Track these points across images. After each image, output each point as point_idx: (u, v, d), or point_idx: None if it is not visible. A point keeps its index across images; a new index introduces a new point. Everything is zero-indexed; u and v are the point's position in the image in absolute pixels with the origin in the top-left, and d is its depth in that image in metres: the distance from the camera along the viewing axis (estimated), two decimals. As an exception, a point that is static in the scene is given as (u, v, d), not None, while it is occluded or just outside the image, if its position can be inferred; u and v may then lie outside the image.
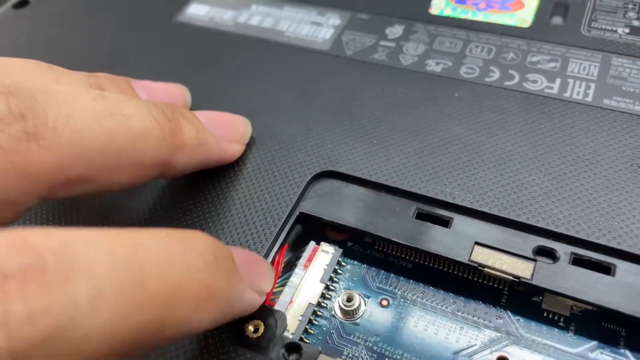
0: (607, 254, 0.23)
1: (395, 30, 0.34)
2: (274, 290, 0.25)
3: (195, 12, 0.38)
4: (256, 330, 0.22)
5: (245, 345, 0.22)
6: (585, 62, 0.30)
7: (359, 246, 0.27)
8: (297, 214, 0.26)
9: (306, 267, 0.25)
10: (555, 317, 0.23)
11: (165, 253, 0.17)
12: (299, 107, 0.30)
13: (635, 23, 0.32)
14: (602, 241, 0.23)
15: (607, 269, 0.23)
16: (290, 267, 0.26)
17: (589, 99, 0.28)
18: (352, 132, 0.29)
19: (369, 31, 0.34)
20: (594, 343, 0.22)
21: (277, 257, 0.25)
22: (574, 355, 0.22)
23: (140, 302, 0.15)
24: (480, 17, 0.34)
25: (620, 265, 0.23)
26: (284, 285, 0.25)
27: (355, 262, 0.26)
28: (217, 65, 0.34)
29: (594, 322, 0.23)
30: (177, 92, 0.29)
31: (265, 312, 0.23)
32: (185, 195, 0.27)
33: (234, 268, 0.20)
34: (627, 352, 0.22)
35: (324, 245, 0.26)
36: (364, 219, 0.25)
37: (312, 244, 0.26)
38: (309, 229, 0.27)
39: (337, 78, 0.31)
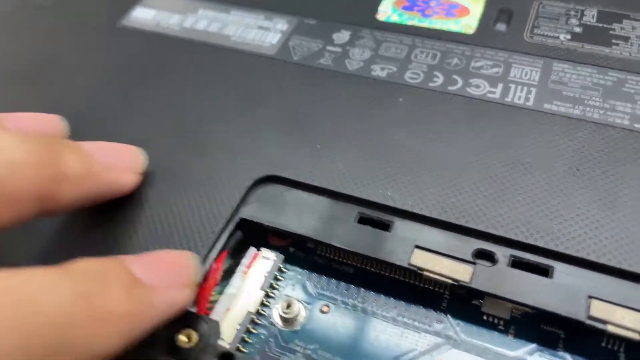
0: (546, 256, 0.23)
1: (342, 36, 0.33)
2: (211, 298, 0.24)
3: (141, 16, 0.37)
4: (189, 339, 0.22)
5: (177, 356, 0.21)
6: (527, 68, 0.30)
7: (300, 252, 0.26)
8: (237, 219, 0.25)
9: (245, 273, 0.25)
10: (495, 321, 0.23)
11: (41, 290, 0.17)
12: (243, 112, 0.30)
13: (577, 30, 0.32)
14: (540, 243, 0.23)
15: (545, 271, 0.23)
16: (229, 274, 0.25)
17: (530, 103, 0.29)
18: (296, 136, 0.28)
19: (316, 36, 0.34)
20: (533, 346, 0.22)
21: (215, 264, 0.25)
22: (512, 358, 0.22)
23: (23, 344, 0.15)
24: (426, 23, 0.34)
25: (558, 267, 0.23)
26: (222, 293, 0.24)
27: (297, 268, 0.26)
28: (162, 70, 0.33)
29: (533, 325, 0.23)
30: (49, 121, 0.26)
31: (199, 320, 0.22)
32: (119, 201, 0.26)
33: (127, 279, 0.19)
34: (566, 355, 0.22)
35: (265, 252, 0.25)
36: (305, 224, 0.25)
37: (252, 249, 0.25)
38: (250, 235, 0.26)
39: (282, 83, 0.31)
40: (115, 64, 0.34)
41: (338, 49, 0.33)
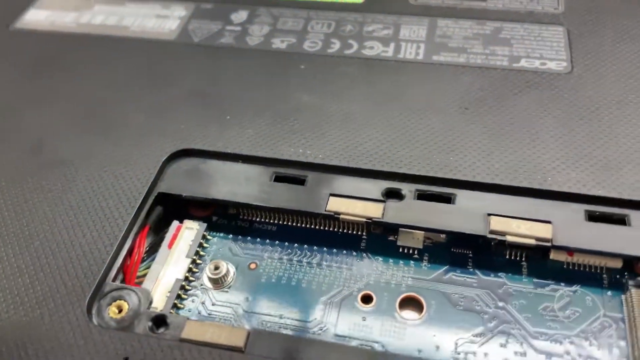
0: (447, 185, 0.25)
1: (240, 16, 0.35)
2: (139, 272, 0.24)
3: (34, 17, 0.37)
4: (120, 310, 0.22)
5: (110, 327, 0.21)
6: (414, 27, 0.33)
7: (223, 219, 0.27)
8: (155, 194, 0.26)
9: (171, 246, 0.25)
10: (410, 251, 0.25)
11: None
12: (150, 94, 0.30)
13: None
14: (440, 175, 0.25)
15: (447, 199, 0.25)
16: (156, 248, 0.25)
17: (420, 57, 0.31)
18: (205, 111, 0.29)
19: (215, 18, 0.35)
20: (445, 267, 0.24)
21: (137, 240, 0.25)
22: (429, 281, 0.24)
23: None
24: (319, -3, 0.35)
25: (459, 193, 0.25)
26: (149, 267, 0.24)
27: (222, 235, 0.26)
28: (61, 66, 0.33)
29: (444, 251, 0.25)
30: None
31: (127, 291, 0.22)
32: (33, 186, 0.26)
33: None
34: (476, 271, 0.24)
35: (188, 223, 0.26)
36: (224, 190, 0.26)
37: (175, 223, 0.26)
38: (172, 209, 0.27)
39: (186, 64, 0.32)
40: (13, 66, 0.33)
41: (237, 28, 0.34)
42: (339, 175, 0.26)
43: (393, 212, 0.24)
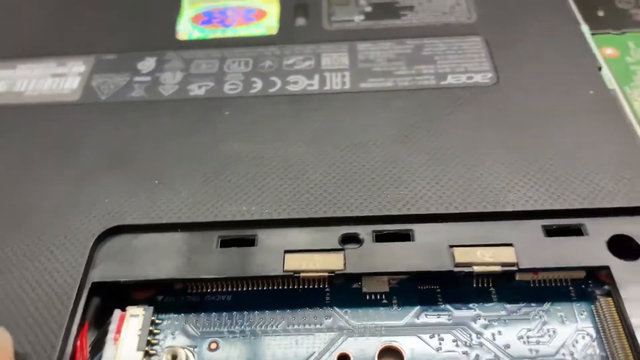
0: (403, 222, 0.24)
1: (148, 64, 0.32)
2: (87, 379, 0.21)
3: None
4: None
5: None
6: (335, 54, 0.32)
7: (170, 297, 0.24)
8: (89, 285, 0.23)
9: (117, 339, 0.22)
10: (378, 297, 0.24)
11: None
12: (61, 168, 0.27)
13: (368, 9, 0.34)
14: (394, 212, 0.24)
15: (406, 236, 0.24)
16: (100, 345, 0.22)
17: (347, 86, 0.30)
18: (128, 178, 0.26)
19: (120, 70, 0.32)
20: (417, 308, 0.23)
21: (78, 342, 0.22)
22: (404, 327, 0.23)
23: None
24: (229, 33, 0.33)
25: (417, 228, 0.24)
26: (97, 369, 0.22)
27: (172, 315, 0.24)
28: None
29: (411, 289, 0.24)
30: None
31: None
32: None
33: None
34: (448, 306, 0.23)
35: (131, 309, 0.23)
36: (165, 267, 0.23)
37: (117, 312, 0.23)
38: (110, 297, 0.24)
39: (96, 126, 0.29)
40: None
41: (147, 78, 0.31)
42: (290, 228, 0.24)
43: (354, 261, 0.23)
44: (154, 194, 0.25)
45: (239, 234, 0.24)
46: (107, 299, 0.24)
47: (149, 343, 0.22)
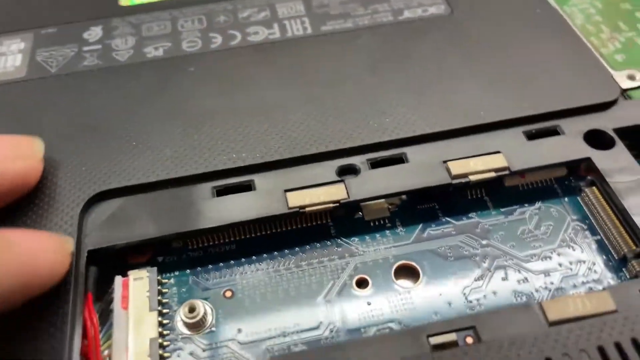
0: (394, 147, 0.24)
1: (94, 33, 0.30)
2: (102, 349, 0.20)
3: None
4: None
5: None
6: (289, 3, 0.31)
7: (172, 256, 0.23)
8: (85, 254, 0.21)
9: (125, 306, 0.21)
10: (381, 222, 0.24)
11: None
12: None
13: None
14: (385, 138, 0.24)
15: (400, 160, 0.24)
16: (108, 313, 0.21)
17: (310, 31, 0.30)
18: (103, 145, 0.25)
19: (65, 42, 0.30)
20: (420, 226, 0.24)
21: (85, 314, 0.21)
22: (411, 244, 0.23)
23: None
24: (174, -6, 0.32)
25: (409, 151, 0.24)
26: (110, 337, 0.20)
27: (178, 273, 0.23)
28: None
29: (411, 210, 0.24)
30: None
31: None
32: None
33: None
34: (449, 219, 0.24)
35: (134, 273, 0.22)
36: (163, 224, 0.22)
37: (118, 279, 0.22)
38: (109, 265, 0.22)
39: (53, 99, 0.27)
40: None
41: (97, 46, 0.29)
42: (286, 168, 0.24)
43: (357, 189, 0.23)
44: (134, 155, 0.24)
45: (234, 182, 0.24)
46: (104, 268, 0.22)
47: (160, 303, 0.22)
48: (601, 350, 0.18)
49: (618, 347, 0.18)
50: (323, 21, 0.30)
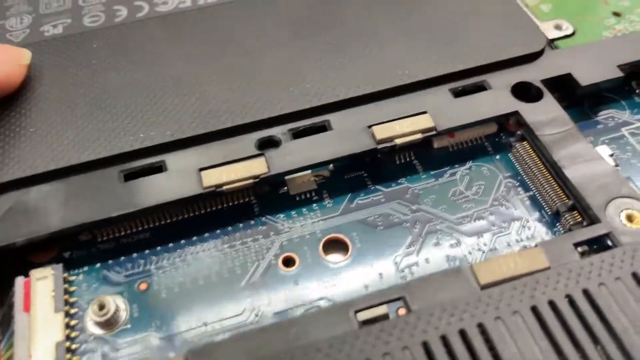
0: (317, 114, 0.23)
1: (-15, 13, 0.27)
2: (3, 357, 0.18)
3: None
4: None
5: None
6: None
7: (79, 250, 0.21)
8: (-22, 255, 0.19)
9: (27, 309, 0.19)
10: (308, 195, 0.23)
11: None
12: None
13: None
14: (306, 105, 0.23)
15: (323, 128, 0.23)
16: (8, 320, 0.19)
17: (222, -4, 0.28)
18: (-4, 134, 0.22)
19: (-49, 25, 0.27)
20: (349, 196, 0.22)
21: (-19, 320, 0.19)
22: (340, 216, 0.22)
23: None
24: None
25: (332, 117, 0.23)
26: (11, 345, 0.18)
27: (87, 268, 0.21)
28: None
29: (339, 181, 0.23)
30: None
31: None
32: None
33: None
34: (378, 187, 0.23)
35: (37, 272, 0.20)
36: (68, 216, 0.20)
37: (19, 280, 0.20)
38: (7, 265, 0.20)
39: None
40: None
41: (-12, 28, 0.26)
42: (200, 145, 0.22)
43: (278, 162, 0.21)
44: (32, 142, 0.22)
45: (143, 164, 0.22)
46: (4, 270, 0.20)
47: (67, 302, 0.20)
48: (534, 310, 0.17)
49: (552, 305, 0.17)
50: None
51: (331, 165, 0.23)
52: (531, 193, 0.22)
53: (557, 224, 0.21)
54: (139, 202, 0.21)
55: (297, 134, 0.22)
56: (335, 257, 0.21)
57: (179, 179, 0.21)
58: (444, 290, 0.18)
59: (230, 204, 0.22)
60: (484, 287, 0.18)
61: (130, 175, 0.21)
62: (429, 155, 0.24)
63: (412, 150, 0.24)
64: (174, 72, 0.24)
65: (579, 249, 0.19)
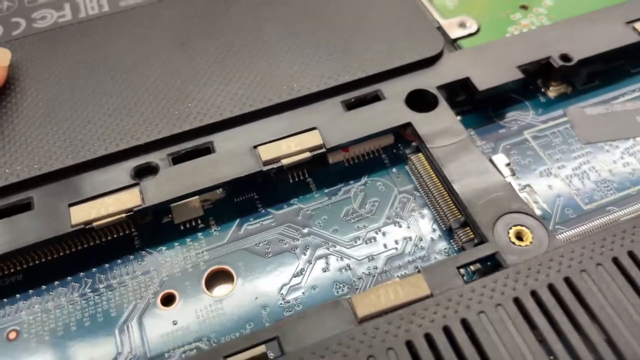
0: (199, 135, 0.22)
1: None
2: None
3: None
4: None
5: None
6: (85, -22, 0.27)
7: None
8: None
9: None
10: (193, 223, 0.21)
11: None
12: None
13: None
14: (187, 127, 0.21)
15: (206, 150, 0.21)
16: None
17: (107, 8, 0.26)
18: None
19: None
20: (237, 222, 0.21)
21: None
22: (226, 245, 0.21)
23: None
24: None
25: (216, 138, 0.21)
26: None
27: (-49, 319, 0.19)
28: None
29: (228, 205, 0.22)
30: None
31: None
32: None
33: None
34: (269, 209, 0.22)
35: None
36: None
37: None
38: None
39: None
40: None
41: None
42: (70, 178, 0.21)
43: (154, 191, 0.20)
44: None
45: (6, 203, 0.20)
46: None
47: None
48: (409, 345, 0.16)
49: (428, 338, 0.16)
50: (123, -4, 0.26)
51: (219, 189, 0.22)
52: (426, 209, 0.21)
53: (450, 241, 0.20)
54: (2, 245, 0.19)
55: (178, 159, 0.21)
56: (219, 290, 0.20)
57: (46, 217, 0.20)
58: (320, 328, 0.17)
59: (109, 237, 0.21)
60: (361, 321, 0.17)
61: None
62: (323, 171, 0.22)
63: (305, 167, 0.22)
64: (43, 99, 0.22)
65: (472, 267, 0.19)
